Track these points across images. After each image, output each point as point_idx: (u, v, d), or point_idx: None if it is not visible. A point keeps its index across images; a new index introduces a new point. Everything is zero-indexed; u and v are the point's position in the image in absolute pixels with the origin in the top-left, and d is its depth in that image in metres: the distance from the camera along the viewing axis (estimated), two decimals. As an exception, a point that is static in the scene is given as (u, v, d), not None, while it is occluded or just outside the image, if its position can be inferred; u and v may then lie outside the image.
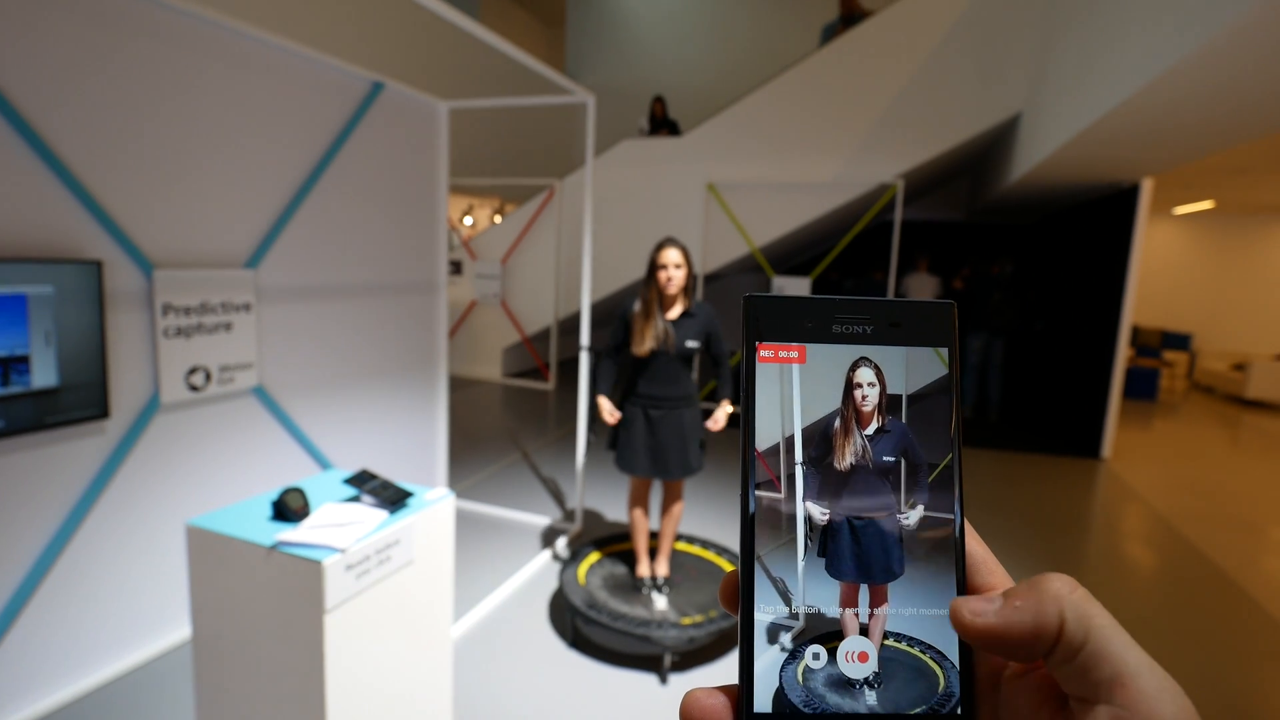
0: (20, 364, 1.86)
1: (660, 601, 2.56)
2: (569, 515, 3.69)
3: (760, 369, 0.27)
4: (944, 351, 0.27)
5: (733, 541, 3.16)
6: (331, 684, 1.33)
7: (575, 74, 10.69)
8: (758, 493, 0.26)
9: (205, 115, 2.29)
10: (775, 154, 6.10)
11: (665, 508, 2.74)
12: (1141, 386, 8.15)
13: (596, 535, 3.29)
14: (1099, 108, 3.49)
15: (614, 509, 3.81)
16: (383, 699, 1.49)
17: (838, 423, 0.27)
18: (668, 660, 2.31)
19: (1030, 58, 5.11)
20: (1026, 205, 6.87)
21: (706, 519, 3.65)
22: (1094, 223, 5.79)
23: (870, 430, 0.27)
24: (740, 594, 0.26)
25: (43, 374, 1.90)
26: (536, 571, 3.02)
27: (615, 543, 2.99)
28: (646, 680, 2.30)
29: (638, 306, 2.59)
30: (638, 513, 2.76)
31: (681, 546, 3.00)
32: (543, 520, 3.61)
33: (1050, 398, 6.48)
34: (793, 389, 0.27)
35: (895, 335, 0.27)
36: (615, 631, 2.31)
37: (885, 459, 0.27)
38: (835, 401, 0.27)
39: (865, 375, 0.27)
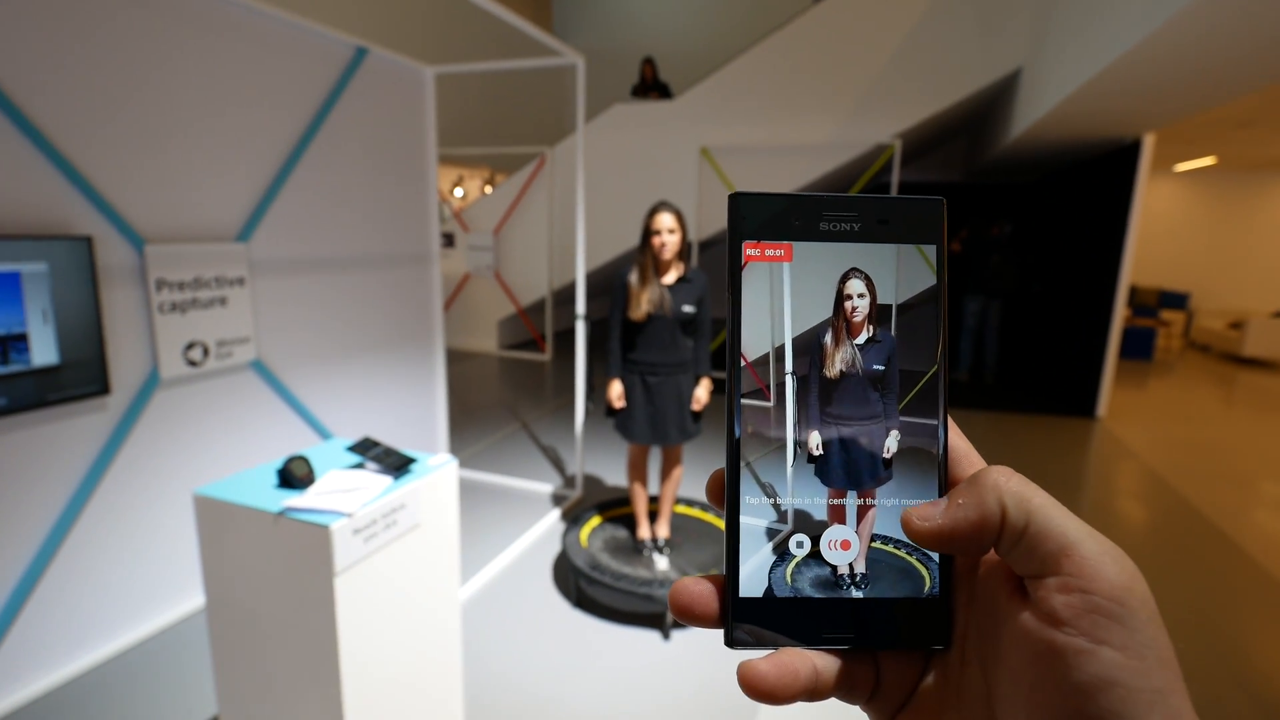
0: (19, 342, 1.86)
1: (661, 562, 2.61)
2: (569, 482, 3.73)
3: (748, 269, 0.27)
4: (932, 250, 0.27)
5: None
6: (344, 644, 1.37)
7: (563, 37, 10.42)
8: (745, 401, 0.26)
9: (188, 86, 2.24)
10: (769, 116, 5.99)
11: (665, 472, 2.77)
12: (1138, 346, 8.18)
13: (597, 500, 3.34)
14: (1102, 58, 3.42)
15: (614, 475, 3.85)
16: (395, 658, 1.54)
17: (828, 333, 0.27)
18: (669, 618, 2.36)
19: (1031, 10, 4.99)
20: (1026, 164, 6.79)
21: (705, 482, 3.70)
22: (1094, 181, 5.73)
23: (860, 340, 0.27)
24: (726, 485, 0.27)
25: (42, 352, 1.90)
26: (540, 536, 3.07)
27: (616, 507, 3.04)
28: (649, 637, 2.36)
29: (634, 273, 2.57)
30: (637, 481, 2.79)
31: (681, 509, 3.05)
32: (544, 487, 3.65)
33: (1046, 359, 6.51)
34: (782, 288, 0.27)
35: (883, 232, 0.27)
36: (618, 591, 2.36)
37: (875, 368, 0.27)
38: (824, 301, 0.27)
39: (855, 286, 0.27)
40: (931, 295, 0.27)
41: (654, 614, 2.45)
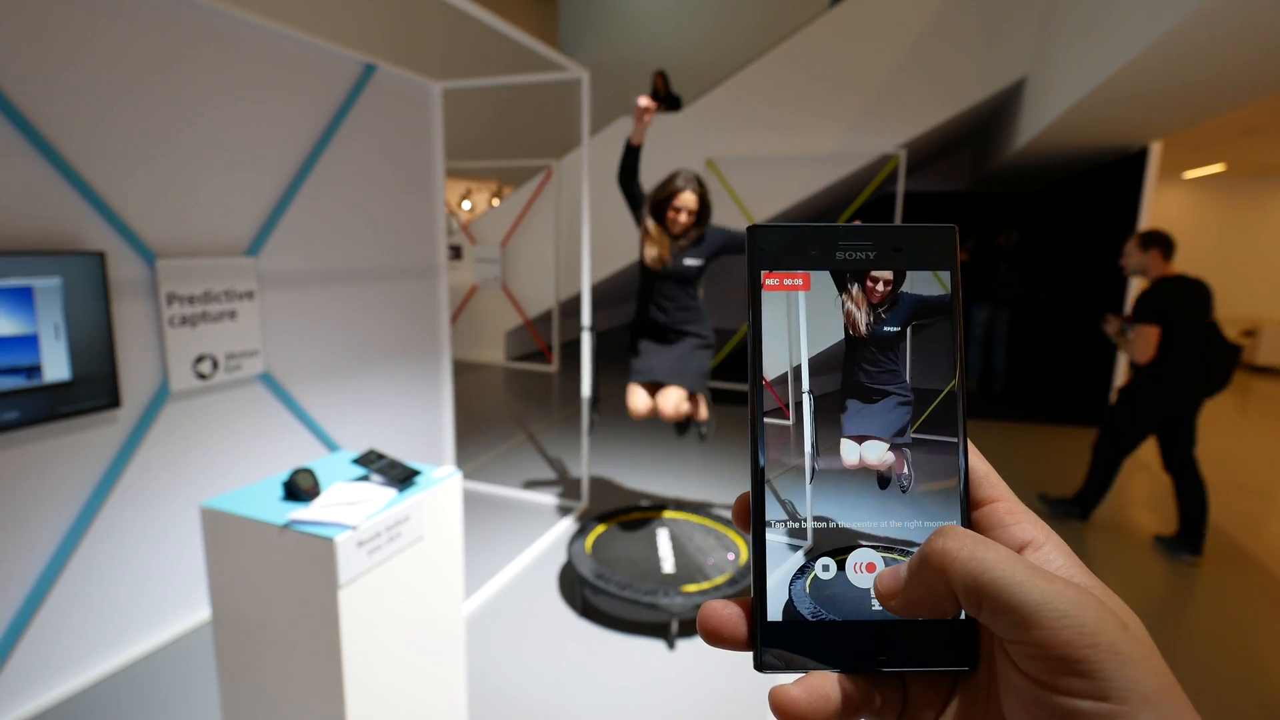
0: (32, 355, 1.87)
1: (668, 564, 2.60)
2: (576, 493, 3.72)
3: (766, 297, 0.27)
4: (945, 275, 0.28)
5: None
6: (348, 658, 1.36)
7: (569, 50, 10.54)
8: (766, 420, 0.27)
9: (200, 102, 2.28)
10: (775, 127, 6.01)
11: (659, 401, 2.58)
12: (1149, 354, 8.08)
13: (603, 510, 3.33)
14: (1107, 67, 3.42)
15: (620, 485, 3.84)
16: (398, 671, 1.53)
17: (851, 291, 0.28)
18: (675, 626, 2.35)
19: (1035, 19, 5.00)
20: (1032, 173, 6.77)
21: (718, 493, 3.68)
22: (1101, 189, 5.71)
23: (879, 302, 0.28)
24: (751, 510, 0.27)
25: (54, 367, 1.92)
26: (546, 548, 3.06)
27: (622, 515, 3.03)
28: (655, 646, 2.34)
29: (646, 222, 2.44)
30: (636, 403, 2.58)
31: (692, 518, 3.03)
32: (550, 499, 3.65)
33: (1056, 368, 6.45)
34: (799, 315, 0.27)
35: (898, 260, 0.27)
36: (624, 600, 2.35)
37: (890, 329, 0.28)
38: (840, 327, 0.28)
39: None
40: (946, 318, 0.28)
41: (659, 623, 2.43)
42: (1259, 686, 2.22)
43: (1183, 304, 2.92)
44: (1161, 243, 3.04)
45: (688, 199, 2.36)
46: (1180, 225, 9.65)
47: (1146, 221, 4.98)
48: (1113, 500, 4.00)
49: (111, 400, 2.06)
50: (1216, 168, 8.26)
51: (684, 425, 2.65)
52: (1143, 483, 4.23)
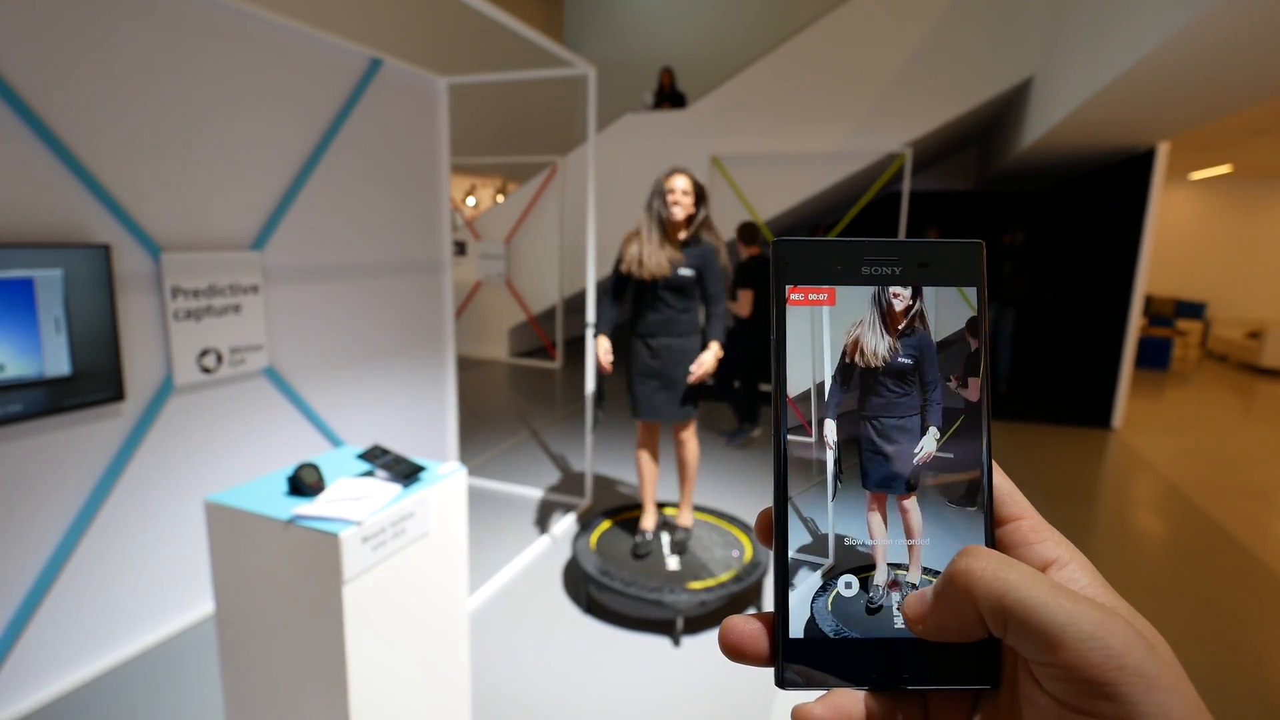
0: (32, 352, 1.87)
1: (673, 562, 2.59)
2: (579, 490, 3.72)
3: (791, 312, 0.27)
4: (972, 291, 0.27)
5: (748, 515, 3.19)
6: (352, 653, 1.36)
7: (575, 47, 10.51)
8: (790, 437, 0.27)
9: (206, 96, 2.28)
10: (780, 125, 5.99)
11: (677, 456, 2.67)
12: (1154, 356, 8.07)
13: (607, 506, 3.33)
14: (1115, 68, 3.40)
15: (623, 481, 3.84)
16: (402, 666, 1.53)
17: (866, 318, 0.27)
18: (680, 623, 2.35)
19: (1043, 18, 4.97)
20: (1038, 173, 6.75)
21: (724, 494, 3.68)
22: (1108, 190, 5.68)
23: (899, 329, 0.27)
24: (775, 527, 0.27)
25: (54, 361, 1.91)
26: (549, 544, 3.06)
27: (626, 511, 3.03)
28: (660, 643, 2.35)
29: (634, 228, 2.51)
30: (644, 456, 2.68)
31: (697, 515, 3.03)
32: (555, 496, 3.65)
33: (1061, 368, 6.44)
34: (823, 331, 0.27)
35: (924, 275, 0.27)
36: (628, 597, 2.35)
37: (905, 360, 0.27)
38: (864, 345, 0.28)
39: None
40: (973, 335, 0.27)
41: (665, 620, 2.43)
42: (1260, 686, 2.21)
43: (763, 274, 3.95)
44: (745, 232, 4.37)
45: (678, 181, 2.41)
46: (1186, 226, 9.61)
47: (1153, 223, 4.96)
48: (1116, 501, 3.98)
49: (115, 394, 2.06)
50: (1223, 169, 8.22)
51: (643, 548, 2.62)
52: (1146, 484, 4.22)
